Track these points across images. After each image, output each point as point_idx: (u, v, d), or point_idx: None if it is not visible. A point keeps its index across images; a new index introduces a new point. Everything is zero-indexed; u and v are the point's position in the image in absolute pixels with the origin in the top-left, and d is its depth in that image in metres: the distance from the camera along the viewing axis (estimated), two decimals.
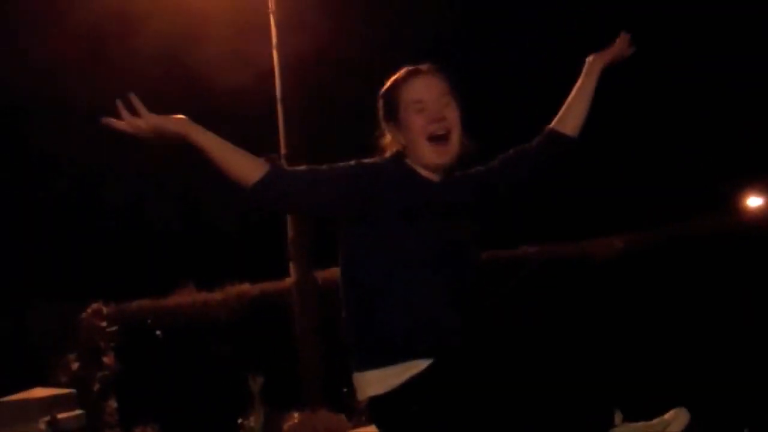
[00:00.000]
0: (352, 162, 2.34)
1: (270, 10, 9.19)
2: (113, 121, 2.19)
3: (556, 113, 2.67)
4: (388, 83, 2.43)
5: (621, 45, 2.70)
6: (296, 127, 9.11)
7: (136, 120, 2.17)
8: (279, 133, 9.14)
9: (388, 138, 2.44)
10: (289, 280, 9.09)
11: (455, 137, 2.35)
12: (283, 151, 9.04)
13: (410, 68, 2.41)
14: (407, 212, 2.25)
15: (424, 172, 2.36)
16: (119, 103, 2.18)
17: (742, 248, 7.37)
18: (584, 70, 2.63)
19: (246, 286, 9.15)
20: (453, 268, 2.26)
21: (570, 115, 2.58)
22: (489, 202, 2.48)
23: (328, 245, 2.57)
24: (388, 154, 2.43)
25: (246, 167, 2.22)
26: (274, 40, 9.12)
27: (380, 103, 2.44)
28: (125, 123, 2.18)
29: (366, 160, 2.38)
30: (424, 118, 2.32)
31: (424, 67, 2.41)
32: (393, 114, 2.38)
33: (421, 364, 2.16)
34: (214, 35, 10.28)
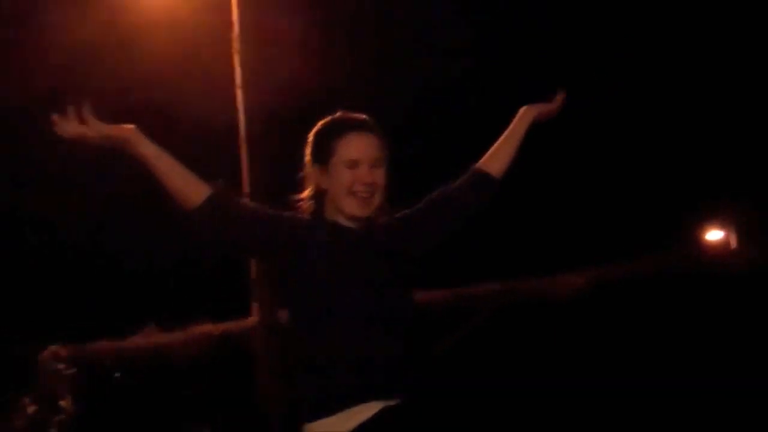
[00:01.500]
0: (288, 213, 2.41)
1: (234, 50, 9.20)
2: (60, 123, 2.21)
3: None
4: (325, 126, 2.46)
5: (555, 104, 2.79)
6: (260, 166, 9.09)
7: (82, 127, 2.19)
8: (243, 171, 9.12)
9: (310, 175, 2.48)
10: (252, 320, 9.00)
11: (378, 197, 2.41)
12: (246, 190, 9.02)
13: (350, 118, 2.44)
14: (335, 266, 2.30)
15: (345, 222, 2.40)
16: (69, 109, 2.21)
17: (701, 285, 7.43)
18: (516, 117, 2.72)
19: (209, 326, 9.03)
20: (386, 314, 2.29)
21: (497, 157, 2.65)
22: (418, 246, 2.51)
23: None
24: (306, 192, 2.48)
25: (189, 189, 2.23)
26: (238, 80, 9.12)
27: (311, 142, 2.47)
28: (71, 127, 2.20)
29: (294, 215, 2.44)
30: (353, 176, 2.36)
31: (362, 120, 2.44)
32: (323, 159, 2.41)
33: (367, 409, 2.19)
34: (177, 73, 10.25)
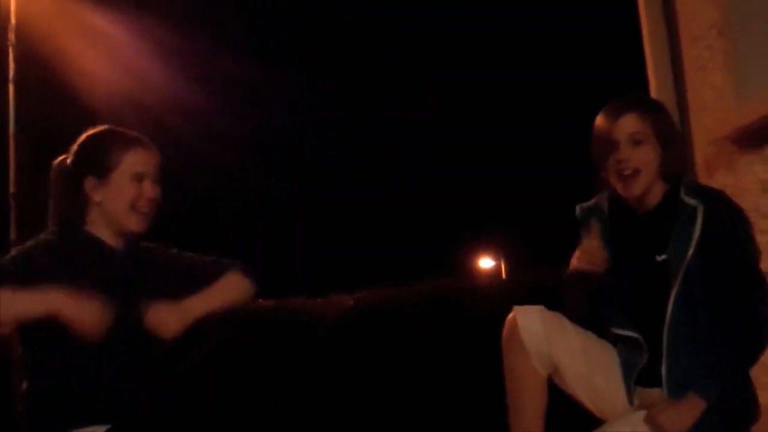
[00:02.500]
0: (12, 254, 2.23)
1: (10, 43, 8.83)
2: None
3: None
4: (106, 136, 2.34)
5: None
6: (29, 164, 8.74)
7: None
8: (9, 170, 8.77)
9: (67, 185, 2.31)
10: None
11: (153, 214, 2.36)
12: (12, 189, 8.68)
13: (132, 134, 2.36)
14: (78, 283, 2.16)
15: (109, 239, 2.31)
16: None
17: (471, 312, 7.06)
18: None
19: None
20: (122, 338, 2.19)
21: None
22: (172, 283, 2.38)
23: None
24: (57, 202, 2.32)
25: None
26: (11, 73, 8.77)
27: (84, 152, 2.33)
28: None
29: (26, 246, 2.26)
30: (138, 190, 2.30)
31: (144, 138, 2.39)
32: (101, 171, 2.29)
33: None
34: None
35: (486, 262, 21.54)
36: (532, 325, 2.25)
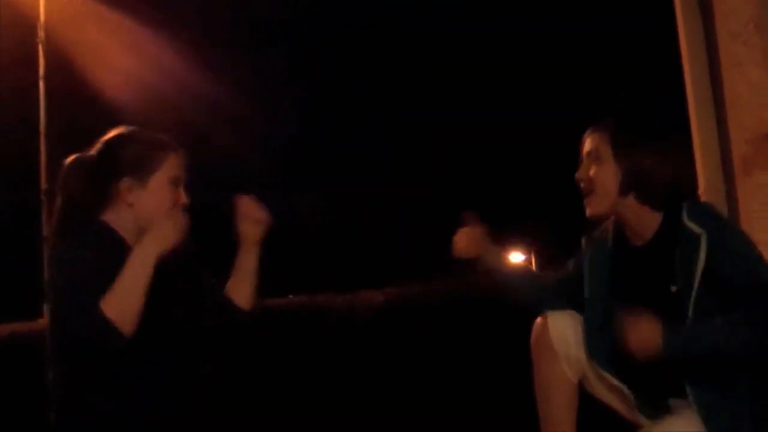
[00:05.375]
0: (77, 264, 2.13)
1: (39, 40, 8.88)
2: None
3: None
4: (140, 138, 2.31)
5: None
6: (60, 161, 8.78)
7: None
8: (40, 166, 8.82)
9: (119, 187, 2.26)
10: (42, 322, 8.70)
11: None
12: (43, 186, 8.72)
13: (167, 138, 2.35)
14: None
15: (129, 239, 2.24)
16: None
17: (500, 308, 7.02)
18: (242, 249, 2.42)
19: None
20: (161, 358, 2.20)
21: (237, 288, 2.42)
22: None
23: None
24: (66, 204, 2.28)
25: None
26: (42, 71, 8.81)
27: (121, 151, 2.28)
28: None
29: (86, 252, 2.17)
30: (175, 196, 2.28)
31: (177, 142, 2.36)
32: (140, 173, 2.26)
33: None
34: None
35: (516, 257, 21.50)
36: (562, 330, 2.23)
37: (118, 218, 2.26)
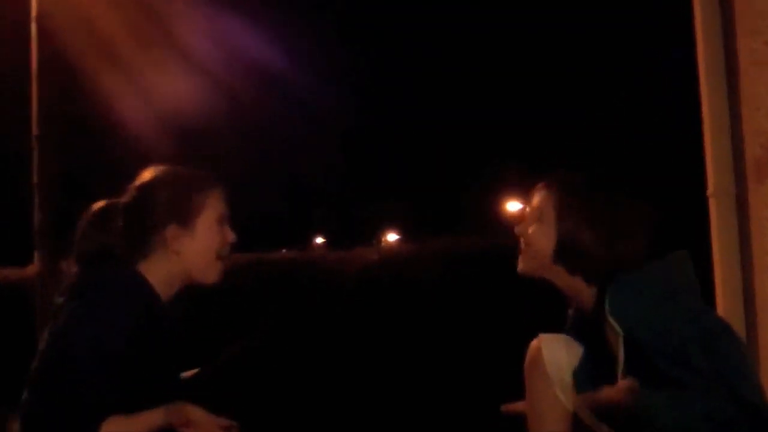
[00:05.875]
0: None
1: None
2: None
3: None
4: (180, 178, 2.12)
5: None
6: (52, 107, 8.57)
7: None
8: (32, 112, 8.61)
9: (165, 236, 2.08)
10: (33, 268, 8.63)
11: None
12: (35, 132, 8.53)
13: (205, 174, 2.16)
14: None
15: (163, 292, 2.08)
16: None
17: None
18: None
19: None
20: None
21: None
22: None
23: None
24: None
25: None
26: (34, 12, 8.53)
27: (163, 196, 2.09)
28: None
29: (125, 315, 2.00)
30: (224, 235, 2.12)
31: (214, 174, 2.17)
32: (185, 218, 2.07)
33: None
34: None
35: (514, 206, 21.40)
36: (556, 354, 2.13)
37: (157, 268, 2.08)
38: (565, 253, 2.03)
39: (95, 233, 2.17)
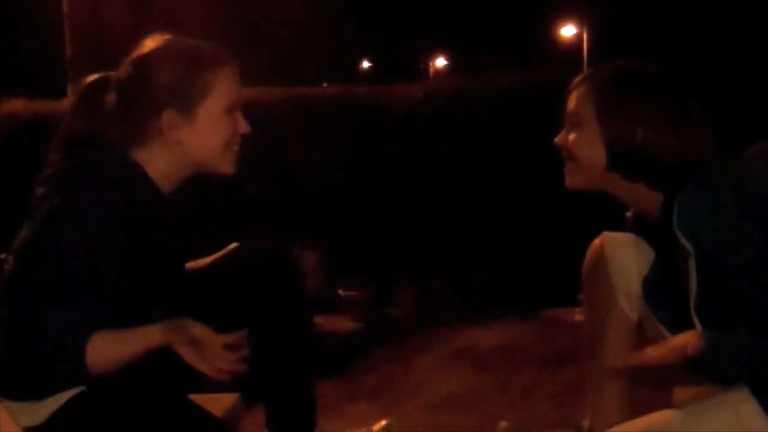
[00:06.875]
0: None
1: None
2: None
3: None
4: (180, 55, 1.79)
5: None
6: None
7: None
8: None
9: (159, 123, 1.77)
10: (68, 101, 8.51)
11: None
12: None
13: (214, 49, 1.83)
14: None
15: (164, 185, 1.81)
16: None
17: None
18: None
19: (19, 103, 8.49)
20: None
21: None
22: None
23: None
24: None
25: None
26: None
27: (163, 77, 1.77)
28: None
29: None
30: (233, 125, 1.83)
31: (229, 54, 1.85)
32: (185, 103, 1.77)
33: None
34: None
35: (568, 30, 20.45)
36: (622, 259, 1.86)
37: (154, 157, 1.79)
38: (619, 157, 1.70)
39: (85, 112, 1.82)
